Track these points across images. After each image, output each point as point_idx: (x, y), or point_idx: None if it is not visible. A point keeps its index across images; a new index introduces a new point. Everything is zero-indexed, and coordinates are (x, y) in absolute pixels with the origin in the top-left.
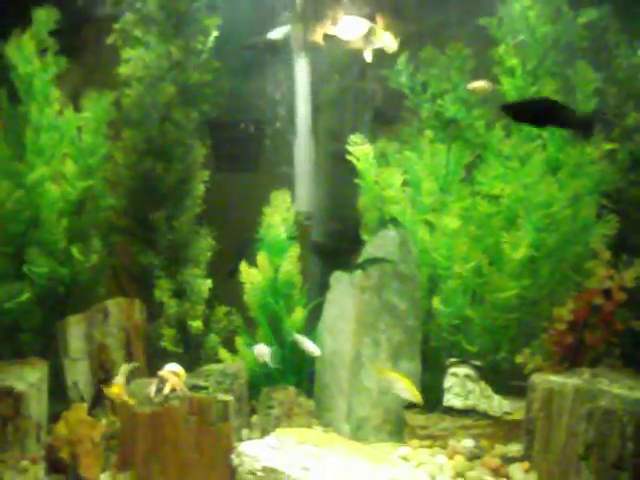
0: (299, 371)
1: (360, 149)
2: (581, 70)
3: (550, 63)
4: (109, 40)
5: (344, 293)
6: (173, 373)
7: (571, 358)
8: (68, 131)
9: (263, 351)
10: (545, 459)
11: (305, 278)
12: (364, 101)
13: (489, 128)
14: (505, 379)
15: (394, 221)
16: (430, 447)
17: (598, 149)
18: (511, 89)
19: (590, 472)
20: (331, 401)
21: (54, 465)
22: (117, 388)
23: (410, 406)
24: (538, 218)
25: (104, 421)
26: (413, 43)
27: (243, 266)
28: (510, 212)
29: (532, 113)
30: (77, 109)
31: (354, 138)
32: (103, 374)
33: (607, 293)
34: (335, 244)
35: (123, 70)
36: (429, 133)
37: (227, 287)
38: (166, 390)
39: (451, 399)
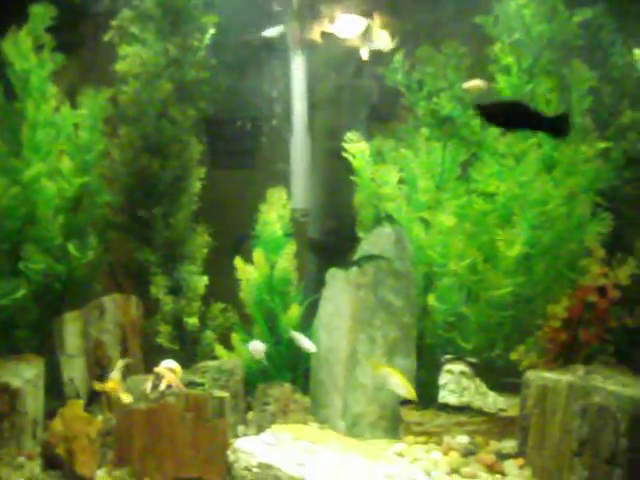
0: (295, 368)
1: (356, 146)
2: (576, 68)
3: (545, 61)
4: (106, 37)
5: (340, 290)
6: (169, 369)
7: (565, 355)
8: (65, 128)
9: (258, 347)
10: (539, 455)
11: (301, 275)
12: (360, 99)
13: (484, 126)
14: (500, 376)
15: (390, 218)
16: (425, 443)
17: (592, 147)
18: (507, 87)
19: (584, 468)
20: (327, 398)
21: (50, 461)
22: (113, 383)
23: (405, 402)
24: (533, 216)
25: (100, 417)
26: (409, 41)
27: (239, 263)
28: (505, 210)
29: (504, 115)
30: (74, 106)
31: (350, 135)
32: (99, 370)
33: (601, 290)
34: (331, 241)
35: (120, 67)
36: (425, 131)
37: (223, 284)
38: (162, 386)
39: (446, 396)
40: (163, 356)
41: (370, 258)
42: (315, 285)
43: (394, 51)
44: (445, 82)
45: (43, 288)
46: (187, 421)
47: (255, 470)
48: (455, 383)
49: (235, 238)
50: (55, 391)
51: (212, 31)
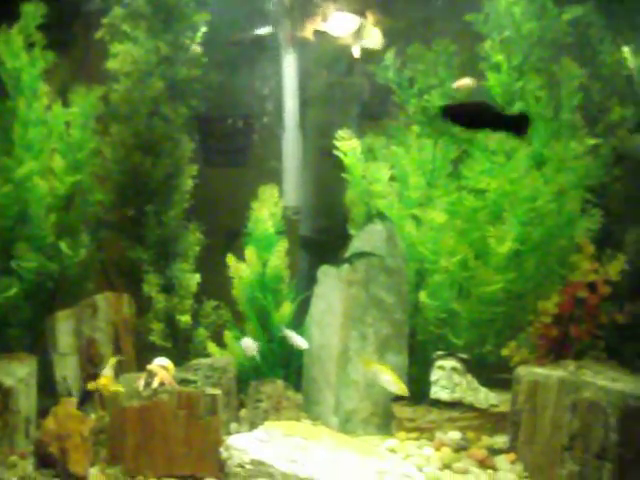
0: (287, 365)
1: (348, 144)
2: (566, 66)
3: (535, 59)
4: (97, 35)
5: (331, 287)
6: (162, 367)
7: (557, 351)
8: (56, 126)
9: (249, 345)
10: (530, 450)
11: (293, 272)
12: (351, 96)
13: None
14: (491, 372)
15: (381, 215)
16: (417, 439)
17: (582, 144)
18: (497, 85)
19: (574, 462)
20: (319, 394)
21: (43, 460)
22: (105, 379)
23: (397, 399)
24: (523, 212)
25: (93, 416)
26: (400, 39)
27: (231, 260)
28: (496, 206)
29: (468, 116)
30: (65, 104)
31: (342, 133)
32: (92, 369)
33: (592, 286)
34: (323, 238)
35: (111, 65)
36: (416, 128)
37: (216, 282)
38: (155, 384)
39: (438, 392)
40: (156, 354)
41: (362, 255)
42: (307, 282)
43: (385, 49)
44: (436, 79)
45: (35, 286)
46: (180, 418)
47: (248, 467)
48: (447, 379)
49: (225, 235)
50: (48, 389)
51: (204, 29)
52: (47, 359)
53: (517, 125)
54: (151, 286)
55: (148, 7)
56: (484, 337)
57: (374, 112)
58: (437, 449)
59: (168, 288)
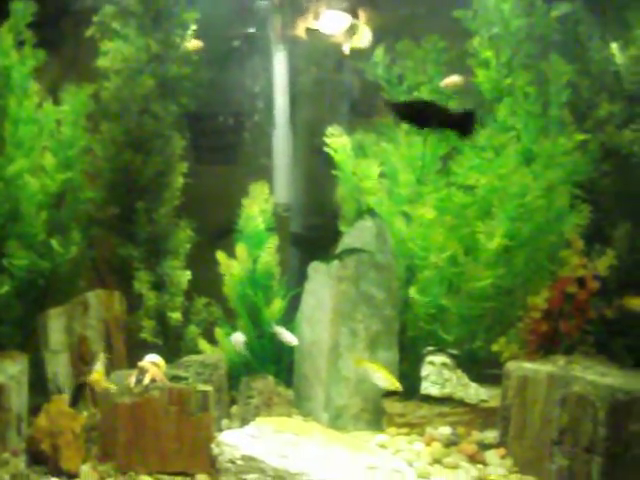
0: (278, 361)
1: (338, 141)
2: (554, 62)
3: (524, 55)
4: (88, 33)
5: (322, 283)
6: (153, 364)
7: (546, 346)
8: (47, 124)
9: (239, 339)
10: (520, 445)
11: (283, 269)
12: (341, 93)
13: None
14: (481, 367)
15: (371, 212)
16: (408, 434)
17: (571, 140)
18: (485, 81)
19: (563, 457)
20: (310, 390)
21: (35, 457)
22: (96, 375)
23: (389, 394)
24: (513, 208)
25: (85, 413)
26: (389, 35)
27: (222, 257)
28: (485, 202)
29: (414, 114)
30: (56, 102)
31: (332, 130)
32: (83, 366)
33: (581, 282)
34: (313, 235)
35: (102, 63)
36: (405, 125)
37: (206, 279)
38: (146, 381)
39: (428, 387)
40: (147, 351)
41: (352, 251)
42: (297, 279)
43: (375, 46)
44: (425, 76)
45: (27, 284)
46: (171, 415)
47: (239, 462)
48: (437, 375)
49: (215, 232)
50: (39, 387)
51: (194, 27)
52: (38, 356)
53: (462, 124)
54: (142, 283)
55: (138, 5)
56: (474, 333)
57: (364, 109)
58: (427, 444)
59: (159, 285)
